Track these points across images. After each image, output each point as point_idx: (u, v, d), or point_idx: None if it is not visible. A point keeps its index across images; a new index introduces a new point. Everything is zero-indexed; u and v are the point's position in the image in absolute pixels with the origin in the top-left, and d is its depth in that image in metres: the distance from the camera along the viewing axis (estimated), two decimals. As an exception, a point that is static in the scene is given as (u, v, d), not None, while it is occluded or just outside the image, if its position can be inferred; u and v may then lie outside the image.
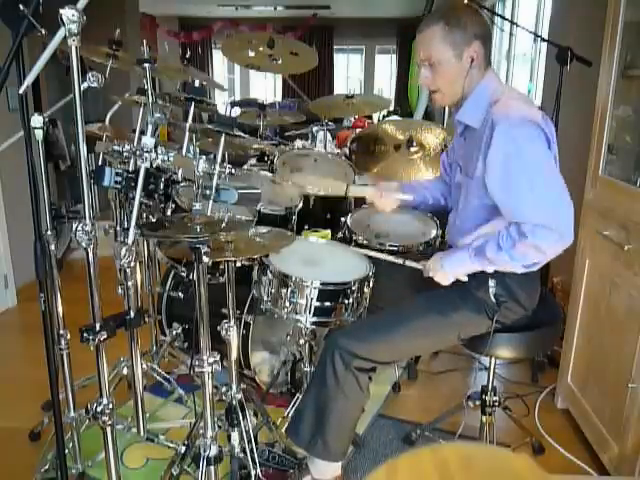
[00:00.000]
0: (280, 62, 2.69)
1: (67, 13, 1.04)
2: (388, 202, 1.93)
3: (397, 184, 1.97)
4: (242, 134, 2.33)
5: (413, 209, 2.10)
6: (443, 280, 1.63)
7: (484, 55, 1.56)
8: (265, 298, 1.85)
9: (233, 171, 1.31)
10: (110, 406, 1.29)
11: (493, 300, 1.58)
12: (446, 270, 1.61)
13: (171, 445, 1.87)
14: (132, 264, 1.27)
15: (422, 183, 2.02)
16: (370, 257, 1.94)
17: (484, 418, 1.86)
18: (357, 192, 1.97)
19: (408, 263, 1.77)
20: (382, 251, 2.00)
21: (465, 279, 1.62)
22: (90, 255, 1.21)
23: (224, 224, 1.28)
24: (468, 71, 1.55)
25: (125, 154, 1.34)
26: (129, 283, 1.38)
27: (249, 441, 1.71)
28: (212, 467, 1.42)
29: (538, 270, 1.62)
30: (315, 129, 4.40)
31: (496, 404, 1.85)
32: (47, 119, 1.44)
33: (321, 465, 1.71)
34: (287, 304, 1.79)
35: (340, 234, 2.33)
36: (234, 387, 1.74)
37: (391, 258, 1.83)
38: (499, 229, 1.52)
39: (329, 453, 1.66)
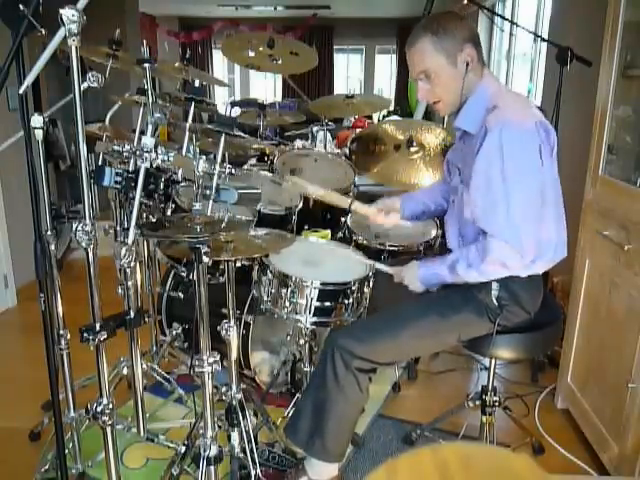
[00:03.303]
0: (280, 62, 2.68)
1: (67, 13, 1.04)
2: (390, 221, 1.93)
3: (398, 201, 1.93)
4: (242, 134, 2.33)
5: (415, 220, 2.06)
6: (415, 289, 1.68)
7: (478, 57, 1.56)
8: (265, 298, 1.85)
9: (233, 171, 1.31)
10: (110, 406, 1.29)
11: (495, 303, 1.58)
12: (421, 283, 1.66)
13: (171, 445, 1.87)
14: (132, 264, 1.27)
15: (423, 192, 2.00)
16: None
17: (484, 418, 1.86)
18: (359, 209, 1.96)
19: (378, 266, 1.80)
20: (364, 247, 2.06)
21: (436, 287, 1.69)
22: (90, 255, 1.21)
23: (224, 224, 1.28)
24: (465, 76, 1.54)
25: (125, 154, 1.34)
26: (129, 283, 1.37)
27: (249, 441, 1.71)
28: (212, 467, 1.41)
29: (541, 274, 1.62)
30: (315, 129, 4.41)
31: (496, 404, 1.85)
32: (47, 119, 1.44)
33: (318, 466, 1.71)
34: (287, 304, 1.79)
35: (340, 234, 2.34)
36: (234, 387, 1.74)
37: (360, 258, 1.87)
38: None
39: (327, 454, 1.66)
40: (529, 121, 1.47)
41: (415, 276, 1.66)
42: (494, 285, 1.57)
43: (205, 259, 1.29)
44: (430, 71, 1.55)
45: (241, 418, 1.70)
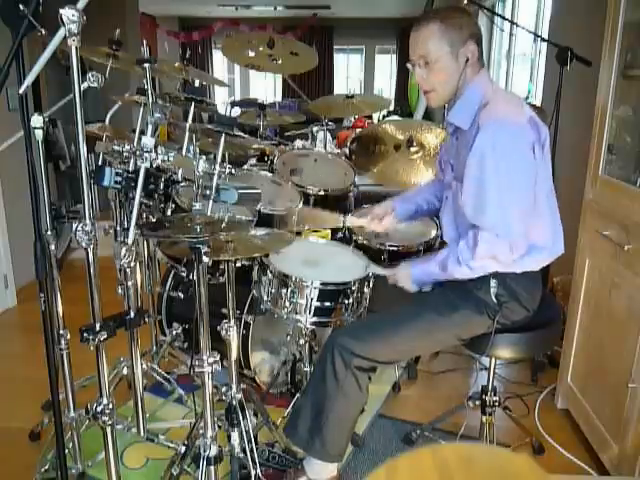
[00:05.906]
0: (280, 62, 2.68)
1: (67, 13, 1.05)
2: (386, 225, 1.93)
3: (390, 203, 1.93)
4: (242, 134, 2.33)
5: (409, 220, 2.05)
6: (409, 289, 1.70)
7: (478, 55, 1.57)
8: (265, 298, 1.85)
9: (233, 171, 1.31)
10: (110, 406, 1.29)
11: (494, 300, 1.58)
12: (414, 283, 1.69)
13: (171, 445, 1.87)
14: (132, 264, 1.27)
15: (414, 192, 2.00)
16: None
17: (484, 418, 1.86)
18: (354, 222, 1.98)
19: (370, 269, 1.83)
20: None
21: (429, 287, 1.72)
22: (90, 255, 1.21)
23: (224, 224, 1.28)
24: (463, 71, 1.55)
25: (125, 154, 1.34)
26: (129, 283, 1.38)
27: (249, 441, 1.71)
28: (212, 467, 1.42)
29: (539, 270, 1.62)
30: (315, 129, 4.39)
31: (496, 404, 1.84)
32: (47, 119, 1.44)
33: (318, 466, 1.71)
34: (287, 304, 1.79)
35: (340, 234, 2.33)
36: (234, 387, 1.74)
37: (357, 259, 1.88)
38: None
39: (327, 453, 1.66)
40: (521, 118, 1.48)
41: (408, 276, 1.69)
42: (492, 282, 1.57)
43: (205, 259, 1.29)
44: (430, 57, 1.54)
45: (241, 418, 1.70)
